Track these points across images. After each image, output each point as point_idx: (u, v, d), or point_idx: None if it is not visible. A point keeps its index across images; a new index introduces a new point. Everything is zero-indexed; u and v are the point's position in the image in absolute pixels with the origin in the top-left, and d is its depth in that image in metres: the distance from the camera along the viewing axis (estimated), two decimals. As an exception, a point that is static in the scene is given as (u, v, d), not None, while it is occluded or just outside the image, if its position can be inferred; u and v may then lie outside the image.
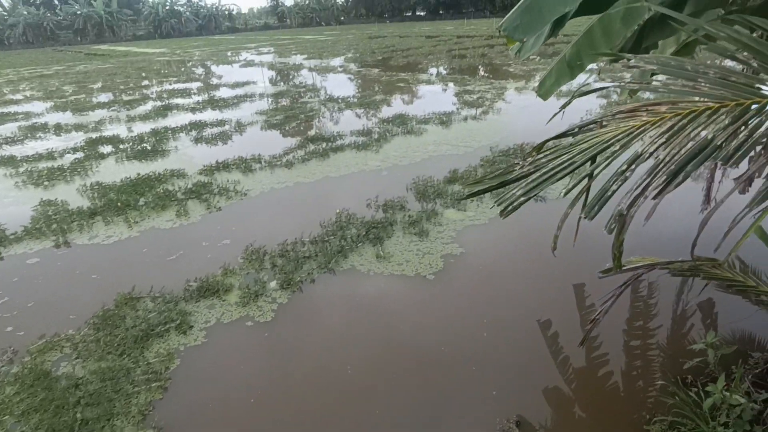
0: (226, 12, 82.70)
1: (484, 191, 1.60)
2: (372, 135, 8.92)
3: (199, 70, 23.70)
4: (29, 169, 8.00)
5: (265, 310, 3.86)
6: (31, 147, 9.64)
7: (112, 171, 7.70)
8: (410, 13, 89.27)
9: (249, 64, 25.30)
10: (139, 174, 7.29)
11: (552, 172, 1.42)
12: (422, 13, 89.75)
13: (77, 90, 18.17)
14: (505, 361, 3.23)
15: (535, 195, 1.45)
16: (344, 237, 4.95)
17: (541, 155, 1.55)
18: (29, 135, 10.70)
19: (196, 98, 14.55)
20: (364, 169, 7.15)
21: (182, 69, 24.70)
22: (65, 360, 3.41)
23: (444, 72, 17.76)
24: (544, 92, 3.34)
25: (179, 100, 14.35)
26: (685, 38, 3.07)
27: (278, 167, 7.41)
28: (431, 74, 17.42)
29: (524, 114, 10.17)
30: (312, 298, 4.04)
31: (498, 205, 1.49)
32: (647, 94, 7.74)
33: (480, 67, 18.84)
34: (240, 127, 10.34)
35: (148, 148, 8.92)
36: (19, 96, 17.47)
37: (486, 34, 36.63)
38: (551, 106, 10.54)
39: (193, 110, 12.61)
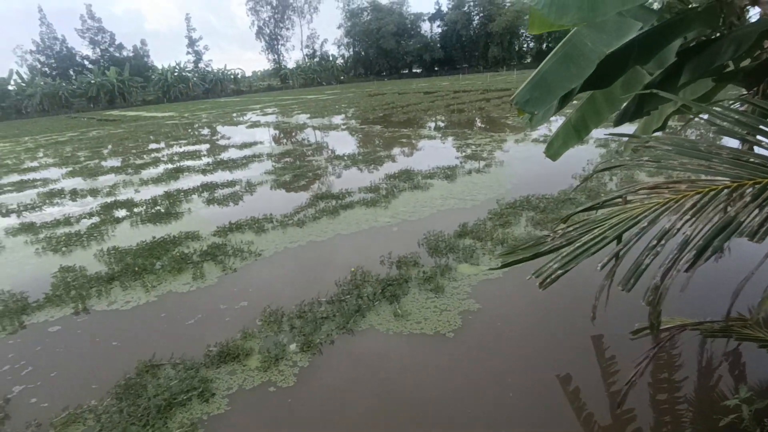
0: (232, 76, 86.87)
1: (518, 262, 1.70)
2: (380, 191, 9.16)
3: (208, 132, 24.61)
4: (48, 235, 8.18)
5: (287, 375, 3.85)
6: (49, 213, 9.89)
7: (128, 235, 7.87)
8: (407, 71, 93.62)
9: (255, 124, 26.29)
10: (154, 237, 7.44)
11: (586, 247, 1.53)
12: (418, 70, 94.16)
13: (90, 155, 18.81)
14: (532, 421, 3.18)
15: (571, 268, 1.55)
16: (360, 296, 4.99)
17: (571, 228, 1.67)
18: (47, 201, 11.00)
19: (206, 160, 15.04)
20: (374, 225, 7.30)
21: (190, 131, 25.64)
22: (89, 433, 3.37)
23: (444, 126, 18.41)
24: (552, 153, 3.53)
25: (189, 162, 14.82)
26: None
27: (290, 226, 7.57)
28: (432, 129, 18.06)
29: (527, 165, 10.47)
30: (333, 360, 4.02)
31: (536, 277, 1.59)
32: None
33: (479, 120, 19.55)
34: (250, 187, 10.63)
35: (162, 210, 9.14)
36: (36, 163, 18.07)
37: (481, 88, 38.22)
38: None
39: (203, 172, 13.01)
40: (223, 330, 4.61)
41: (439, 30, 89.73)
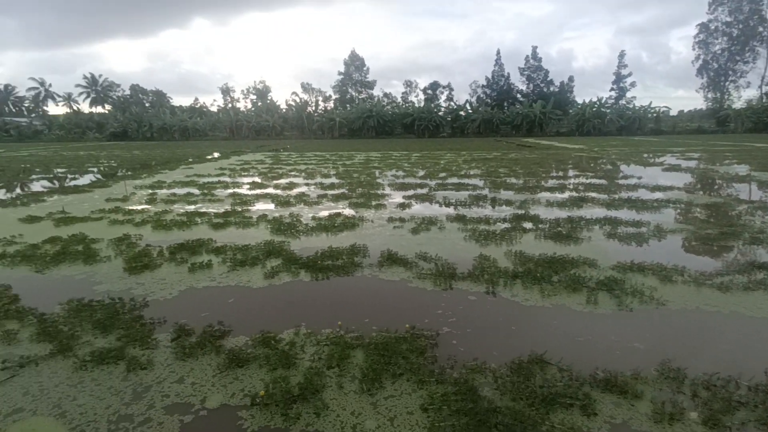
0: (654, 114, 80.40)
1: None
2: None
3: (615, 169, 23.97)
4: (472, 228, 10.30)
5: (683, 441, 3.40)
6: (474, 212, 12.40)
7: (531, 245, 8.85)
8: None
9: (673, 168, 23.51)
10: (554, 253, 8.03)
11: None
12: None
13: (507, 173, 22.04)
14: None
15: None
16: (807, 403, 3.74)
17: None
18: (475, 202, 13.82)
19: (610, 195, 14.76)
20: None
21: (593, 165, 25.67)
22: (487, 386, 4.13)
23: None
24: None
25: (593, 194, 14.96)
26: None
27: (707, 287, 6.46)
28: None
29: None
30: (749, 458, 3.25)
31: None
32: None
33: None
34: (659, 232, 9.70)
35: (563, 232, 9.71)
36: (470, 172, 22.90)
37: None
38: None
39: (607, 206, 12.85)
40: (611, 360, 4.53)
41: None
